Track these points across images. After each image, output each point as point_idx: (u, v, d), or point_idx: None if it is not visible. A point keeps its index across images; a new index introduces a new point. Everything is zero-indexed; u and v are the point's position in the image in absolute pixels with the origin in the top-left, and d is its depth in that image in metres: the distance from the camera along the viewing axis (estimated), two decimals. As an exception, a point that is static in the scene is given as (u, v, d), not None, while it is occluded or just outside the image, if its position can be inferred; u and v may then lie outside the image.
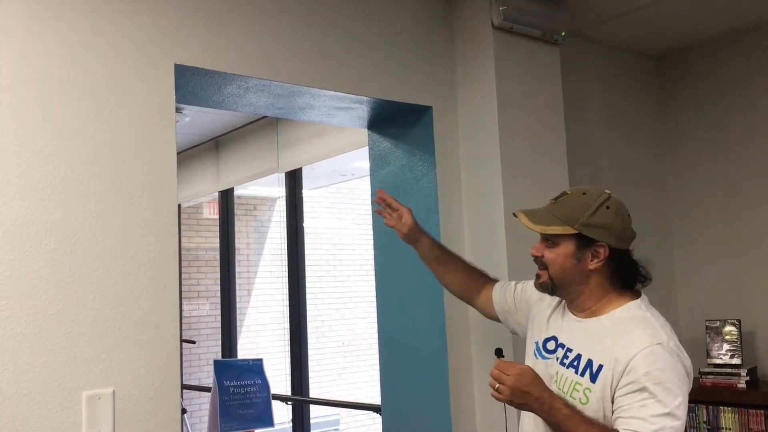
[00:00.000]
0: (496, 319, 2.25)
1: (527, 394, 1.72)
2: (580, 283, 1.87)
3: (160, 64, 2.12)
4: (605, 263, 1.84)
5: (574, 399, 1.78)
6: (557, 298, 1.99)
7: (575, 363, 1.83)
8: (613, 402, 1.74)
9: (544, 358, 1.92)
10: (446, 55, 2.85)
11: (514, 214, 1.94)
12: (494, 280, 2.30)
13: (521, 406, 1.76)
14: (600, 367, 1.78)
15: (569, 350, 1.87)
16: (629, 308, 1.86)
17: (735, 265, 3.45)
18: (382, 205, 2.34)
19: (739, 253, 3.44)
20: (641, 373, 1.71)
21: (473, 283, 2.29)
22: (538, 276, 1.91)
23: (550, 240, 1.86)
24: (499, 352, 1.86)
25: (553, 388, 1.81)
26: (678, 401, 1.70)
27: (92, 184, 1.96)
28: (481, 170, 2.75)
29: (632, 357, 1.73)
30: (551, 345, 1.93)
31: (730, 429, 3.08)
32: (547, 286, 1.89)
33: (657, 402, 1.68)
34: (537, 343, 1.97)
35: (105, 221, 1.97)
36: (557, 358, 1.89)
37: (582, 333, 1.87)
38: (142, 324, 2.00)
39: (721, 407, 3.12)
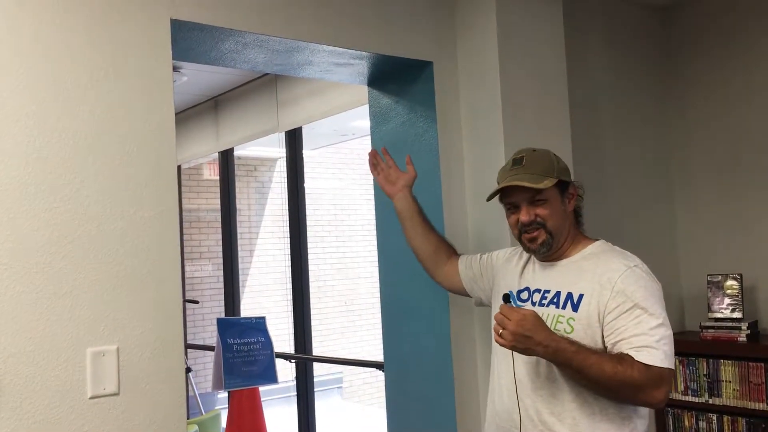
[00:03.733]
0: (459, 289, 2.33)
1: (529, 338, 1.73)
2: (566, 228, 1.97)
3: (155, 20, 2.08)
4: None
5: (558, 331, 1.84)
6: (525, 256, 2.08)
7: (555, 300, 1.91)
8: (603, 330, 1.82)
9: (518, 306, 1.96)
10: (447, 9, 2.80)
11: (496, 192, 1.97)
12: (459, 254, 2.37)
13: (525, 351, 1.77)
14: (581, 296, 1.86)
15: (546, 291, 1.95)
16: (596, 246, 1.98)
17: (737, 219, 3.44)
18: (377, 160, 2.40)
19: (742, 207, 3.42)
20: (629, 293, 1.80)
21: (444, 251, 2.36)
22: (534, 239, 1.93)
23: (539, 199, 1.91)
24: (506, 298, 1.86)
25: None
26: (664, 313, 1.81)
27: (89, 143, 1.94)
28: (482, 125, 2.73)
29: (615, 280, 1.83)
30: (524, 295, 2.01)
31: (730, 381, 3.11)
32: (548, 243, 1.94)
33: (650, 315, 1.78)
34: (511, 292, 2.02)
35: (104, 181, 1.96)
36: (533, 303, 1.96)
37: (556, 273, 1.97)
38: (144, 282, 2.00)
39: (721, 360, 3.14)
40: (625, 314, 1.78)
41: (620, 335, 1.78)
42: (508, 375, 1.94)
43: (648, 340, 1.74)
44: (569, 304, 1.88)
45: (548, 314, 1.89)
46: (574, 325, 1.84)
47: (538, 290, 1.97)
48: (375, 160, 2.42)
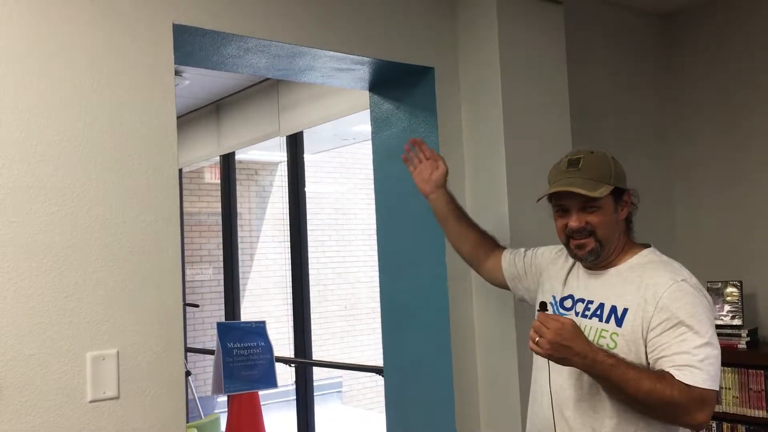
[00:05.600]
0: (502, 284, 2.26)
1: (567, 348, 1.67)
2: (616, 237, 1.88)
3: (158, 24, 2.09)
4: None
5: (601, 346, 1.77)
6: (570, 260, 1.99)
7: (598, 312, 1.84)
8: (646, 346, 1.74)
9: (561, 315, 1.90)
10: (448, 15, 2.81)
11: (550, 195, 1.88)
12: (503, 247, 2.29)
13: (561, 361, 1.71)
14: (625, 310, 1.79)
15: (590, 302, 1.87)
16: (644, 255, 1.89)
17: (737, 226, 3.44)
18: (414, 151, 2.29)
19: (742, 214, 3.42)
20: (674, 309, 1.72)
21: (485, 246, 2.28)
22: (582, 246, 1.84)
23: (592, 206, 1.82)
24: (543, 306, 1.81)
25: None
26: (712, 331, 1.72)
27: (91, 147, 1.95)
28: (483, 131, 2.73)
29: (661, 295, 1.74)
30: (568, 303, 1.93)
31: (730, 389, 3.10)
32: (596, 252, 1.84)
33: (695, 334, 1.69)
34: (555, 297, 1.96)
35: (105, 185, 1.96)
36: (576, 313, 1.89)
37: (601, 284, 1.88)
38: (144, 286, 2.00)
39: (721, 367, 3.13)
40: (668, 331, 1.71)
41: (662, 352, 1.70)
42: (546, 383, 1.87)
43: (691, 360, 1.67)
44: (613, 318, 1.80)
45: (591, 327, 1.83)
46: (618, 341, 1.77)
47: (582, 300, 1.89)
48: (409, 155, 2.31)
